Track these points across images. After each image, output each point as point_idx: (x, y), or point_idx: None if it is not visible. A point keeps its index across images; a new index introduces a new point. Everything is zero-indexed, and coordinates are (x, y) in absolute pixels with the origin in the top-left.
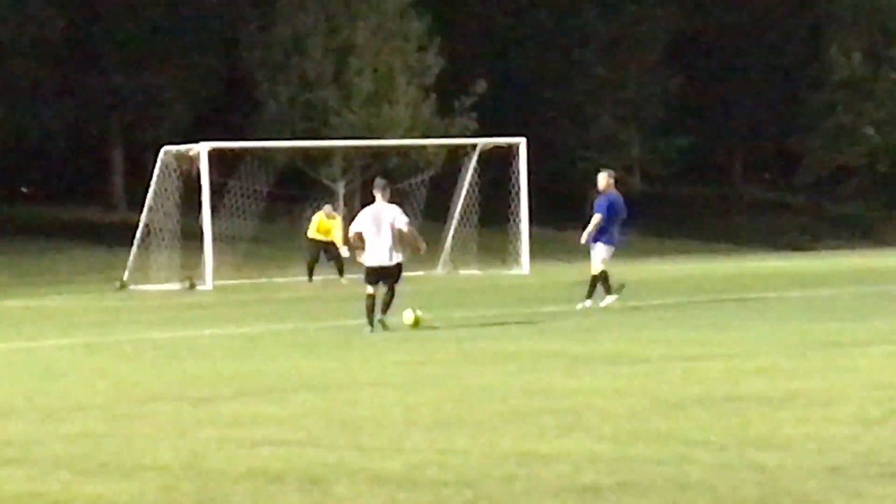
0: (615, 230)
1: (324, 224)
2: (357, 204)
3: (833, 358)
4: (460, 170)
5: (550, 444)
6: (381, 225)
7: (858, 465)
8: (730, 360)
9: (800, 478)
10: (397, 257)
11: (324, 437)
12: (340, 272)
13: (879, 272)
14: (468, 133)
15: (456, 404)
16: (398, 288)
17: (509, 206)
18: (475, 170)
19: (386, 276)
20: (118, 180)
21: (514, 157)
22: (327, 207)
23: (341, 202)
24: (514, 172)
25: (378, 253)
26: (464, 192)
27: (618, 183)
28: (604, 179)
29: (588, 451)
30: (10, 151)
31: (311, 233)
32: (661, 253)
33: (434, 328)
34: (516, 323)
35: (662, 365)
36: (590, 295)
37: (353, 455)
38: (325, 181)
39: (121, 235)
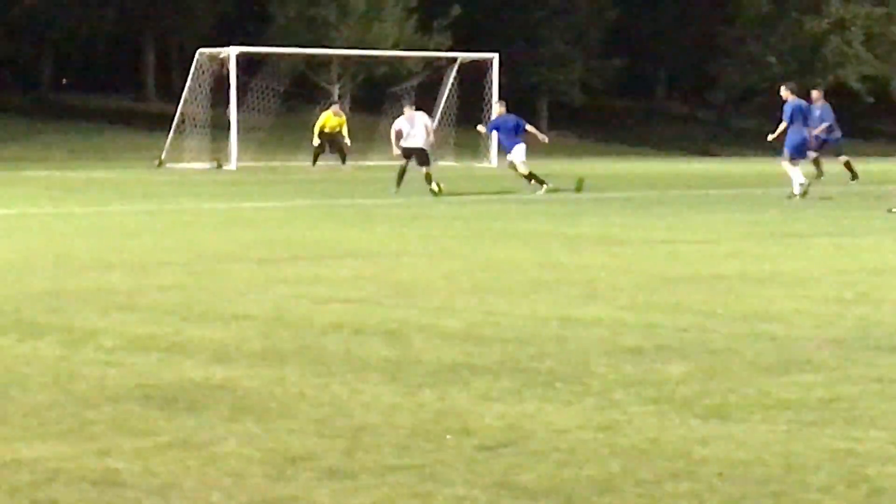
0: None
1: (331, 120)
2: (348, 103)
3: (787, 245)
4: (442, 78)
5: (581, 311)
6: (413, 123)
7: (855, 339)
8: (701, 245)
9: (811, 348)
10: (424, 143)
11: (383, 298)
12: (343, 160)
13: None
14: (443, 48)
15: (484, 273)
16: (430, 168)
17: (482, 111)
18: (455, 79)
19: (416, 154)
20: (150, 76)
21: (488, 70)
22: (335, 106)
23: (335, 101)
24: (487, 82)
25: (411, 139)
26: (444, 97)
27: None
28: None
29: (616, 318)
30: (60, 48)
31: (318, 127)
32: (597, 153)
33: (440, 207)
34: (504, 207)
35: (645, 246)
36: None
37: (415, 313)
38: (324, 84)
39: (152, 121)
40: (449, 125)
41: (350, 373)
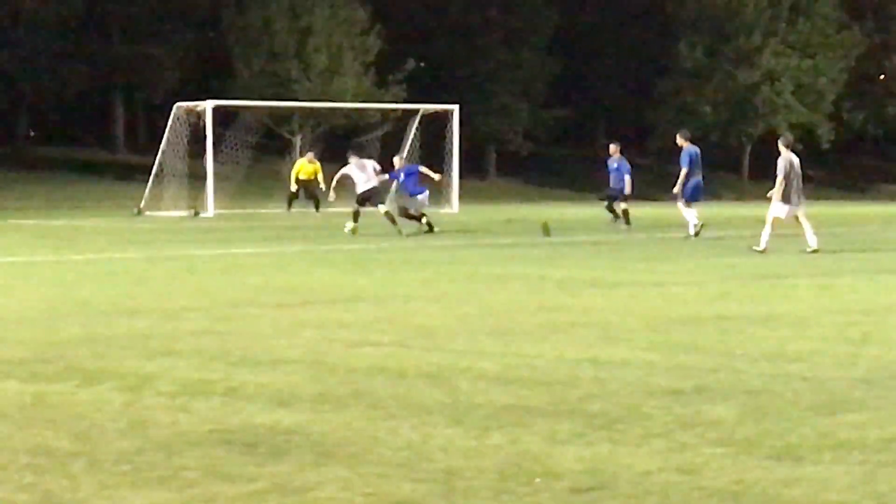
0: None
1: (306, 168)
2: (318, 153)
3: (772, 287)
4: (405, 129)
5: (606, 352)
6: (365, 169)
7: (882, 379)
8: (690, 287)
9: (843, 387)
10: (374, 184)
11: (410, 341)
12: (316, 207)
13: (730, 219)
14: (399, 100)
15: (496, 317)
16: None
17: (443, 159)
18: (417, 129)
19: (371, 195)
20: (119, 129)
21: (449, 121)
22: (309, 154)
23: (297, 151)
24: (448, 132)
25: (367, 183)
26: (407, 146)
27: None
28: (397, 162)
29: (643, 359)
30: (33, 102)
31: (294, 174)
32: (543, 198)
33: (425, 252)
34: (483, 251)
35: (638, 288)
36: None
37: (448, 357)
38: (286, 135)
39: (122, 172)
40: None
41: (413, 416)
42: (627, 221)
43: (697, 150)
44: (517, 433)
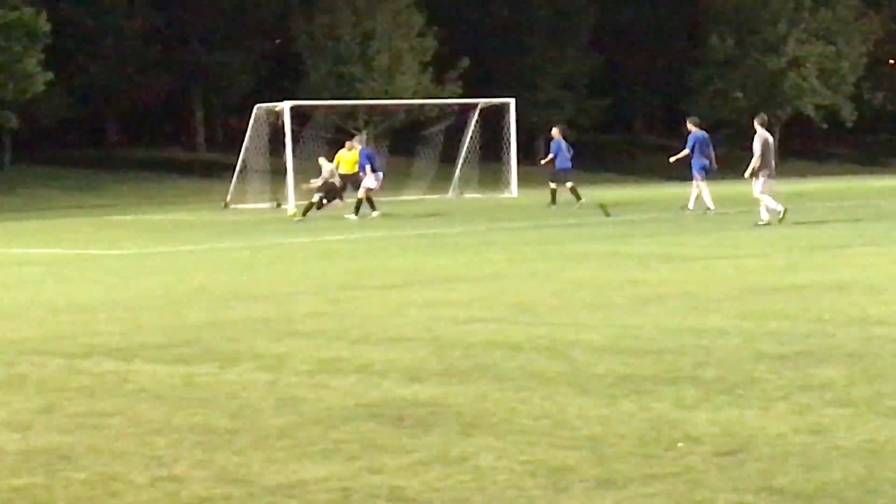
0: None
1: (345, 156)
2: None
3: (833, 256)
4: (465, 122)
5: (700, 322)
6: (323, 168)
7: None
8: (758, 259)
9: None
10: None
11: (514, 317)
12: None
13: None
14: (455, 96)
15: (586, 291)
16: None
17: (501, 148)
18: (476, 122)
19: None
20: (199, 130)
21: (506, 113)
22: (348, 144)
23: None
24: (505, 124)
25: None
26: (468, 138)
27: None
28: (358, 142)
29: (737, 327)
30: (121, 107)
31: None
32: (589, 182)
33: (498, 234)
34: (553, 231)
35: (711, 262)
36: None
37: (555, 330)
38: (353, 131)
39: (203, 169)
40: (473, 162)
41: (541, 387)
42: (553, 201)
43: (706, 134)
44: (644, 400)
